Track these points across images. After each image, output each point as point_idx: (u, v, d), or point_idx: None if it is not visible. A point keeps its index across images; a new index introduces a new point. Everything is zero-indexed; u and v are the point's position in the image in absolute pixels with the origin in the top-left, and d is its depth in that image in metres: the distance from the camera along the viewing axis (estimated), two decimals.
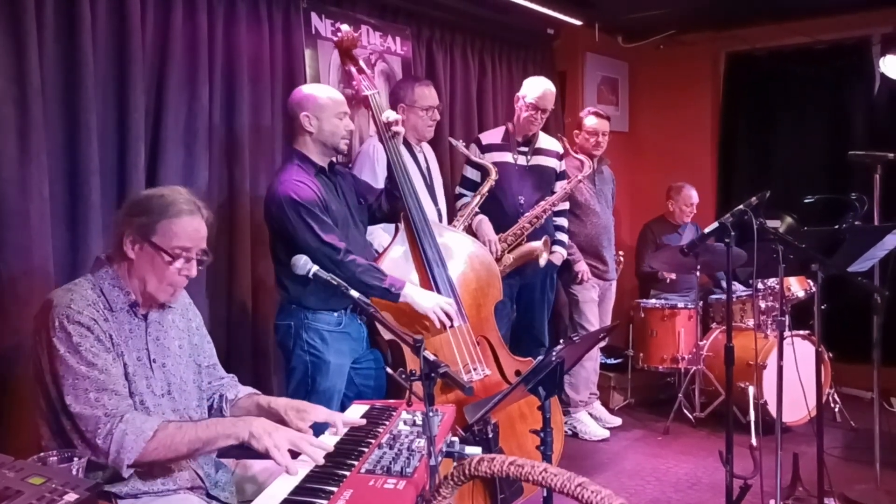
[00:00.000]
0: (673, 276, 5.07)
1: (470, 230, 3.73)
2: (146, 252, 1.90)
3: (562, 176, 4.22)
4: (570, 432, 4.47)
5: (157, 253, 1.89)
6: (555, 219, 4.21)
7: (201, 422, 1.90)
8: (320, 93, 2.87)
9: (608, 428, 4.59)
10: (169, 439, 1.79)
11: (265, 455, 1.81)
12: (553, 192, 4.11)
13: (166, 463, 1.88)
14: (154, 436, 1.77)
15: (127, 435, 1.74)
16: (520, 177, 4.01)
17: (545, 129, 4.21)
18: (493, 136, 4.11)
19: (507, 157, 4.00)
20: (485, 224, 3.84)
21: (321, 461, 1.78)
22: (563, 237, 4.26)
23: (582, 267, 4.46)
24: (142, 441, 1.75)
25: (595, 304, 4.58)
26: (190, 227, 1.92)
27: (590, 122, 4.46)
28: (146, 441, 1.76)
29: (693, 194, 5.19)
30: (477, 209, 3.74)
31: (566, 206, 4.29)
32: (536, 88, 4.01)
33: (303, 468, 1.76)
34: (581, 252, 4.50)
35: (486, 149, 4.01)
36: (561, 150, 4.23)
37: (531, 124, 4.03)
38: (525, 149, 4.08)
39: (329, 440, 1.96)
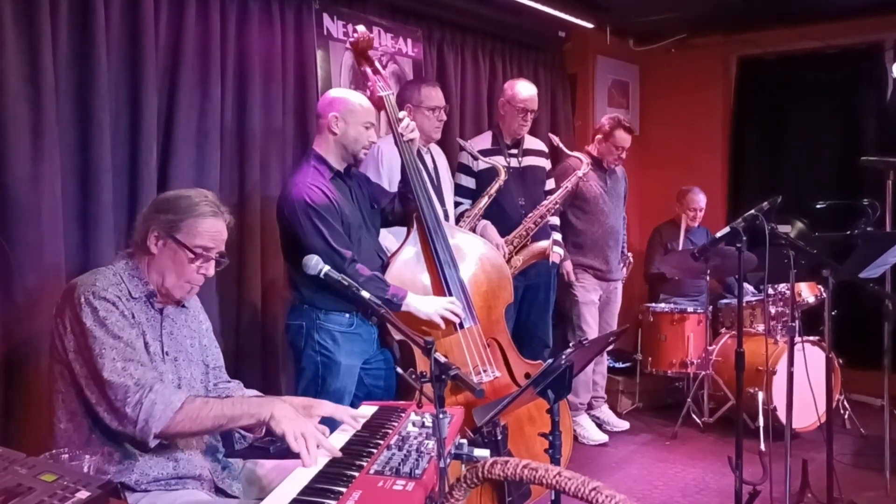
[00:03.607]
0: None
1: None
2: (169, 248, 1.97)
3: (549, 174, 4.23)
4: None
5: (179, 249, 1.97)
6: (549, 218, 4.20)
7: (227, 399, 1.97)
8: (353, 98, 2.87)
9: (615, 432, 4.58)
10: (195, 412, 1.85)
11: (280, 440, 1.85)
12: (547, 192, 4.11)
13: (190, 436, 1.95)
14: (182, 407, 1.83)
15: (156, 404, 1.80)
16: (516, 179, 4.00)
17: (553, 130, 4.20)
18: (482, 141, 4.09)
19: (500, 160, 3.95)
20: (489, 229, 3.82)
21: (312, 467, 1.78)
22: (558, 236, 4.25)
23: (567, 267, 4.43)
24: (170, 411, 1.81)
25: (594, 306, 4.55)
26: (213, 229, 2.00)
27: (622, 137, 4.40)
28: (174, 412, 1.81)
29: (698, 198, 5.12)
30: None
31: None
32: (526, 90, 4.00)
33: (313, 466, 1.76)
34: (584, 251, 4.48)
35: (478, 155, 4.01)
36: (546, 149, 4.24)
37: (522, 127, 4.03)
38: (515, 151, 4.08)
39: (340, 437, 1.97)
